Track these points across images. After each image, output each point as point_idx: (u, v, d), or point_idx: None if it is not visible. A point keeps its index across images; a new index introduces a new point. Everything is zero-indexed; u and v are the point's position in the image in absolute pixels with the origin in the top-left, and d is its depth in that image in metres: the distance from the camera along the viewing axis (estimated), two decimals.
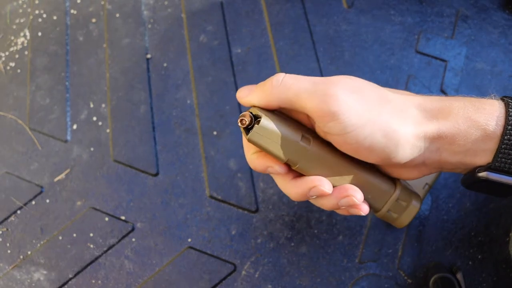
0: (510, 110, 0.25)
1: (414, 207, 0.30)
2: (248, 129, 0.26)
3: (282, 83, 0.25)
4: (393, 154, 0.26)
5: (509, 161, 0.25)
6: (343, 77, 0.26)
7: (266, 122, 0.25)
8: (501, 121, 0.25)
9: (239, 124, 0.26)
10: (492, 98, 0.26)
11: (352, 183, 0.28)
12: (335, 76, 0.26)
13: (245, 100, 0.27)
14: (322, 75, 0.52)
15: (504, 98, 0.26)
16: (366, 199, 0.29)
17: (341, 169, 0.28)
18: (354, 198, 0.27)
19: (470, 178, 0.27)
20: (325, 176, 0.27)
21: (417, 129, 0.26)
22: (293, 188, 0.28)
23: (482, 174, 0.26)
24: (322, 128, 0.26)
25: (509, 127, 0.24)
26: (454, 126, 0.25)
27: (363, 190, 0.28)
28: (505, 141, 0.24)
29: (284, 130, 0.26)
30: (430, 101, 0.27)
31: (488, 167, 0.26)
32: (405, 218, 0.30)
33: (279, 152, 0.26)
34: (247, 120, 0.25)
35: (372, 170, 0.29)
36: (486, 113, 0.25)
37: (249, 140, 0.25)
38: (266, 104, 0.26)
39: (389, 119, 0.25)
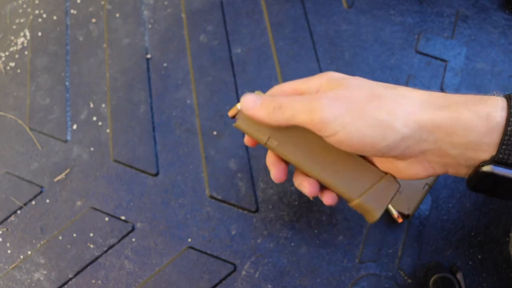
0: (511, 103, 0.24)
1: (386, 199, 0.31)
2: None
3: (280, 110, 0.29)
4: (384, 143, 0.26)
5: None
6: (328, 92, 0.28)
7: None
8: (504, 113, 0.24)
9: (229, 114, 0.33)
10: (494, 95, 0.26)
11: (327, 170, 0.31)
12: (324, 92, 0.29)
13: (248, 114, 0.31)
14: None
15: (507, 95, 0.26)
16: (339, 188, 0.31)
17: (316, 155, 0.31)
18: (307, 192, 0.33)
19: (475, 177, 0.27)
20: (300, 160, 0.31)
21: (409, 118, 0.26)
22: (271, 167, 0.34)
23: (487, 168, 0.25)
24: (319, 134, 0.28)
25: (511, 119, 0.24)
26: (453, 116, 0.25)
27: (338, 175, 0.30)
28: (508, 132, 0.24)
29: (257, 124, 0.32)
30: (430, 94, 0.27)
31: (492, 160, 0.25)
32: (377, 212, 0.30)
33: (257, 137, 0.32)
34: (234, 112, 0.33)
35: (355, 162, 0.31)
36: (488, 105, 0.25)
37: (235, 126, 0.32)
38: (267, 123, 0.31)
39: (375, 113, 0.26)
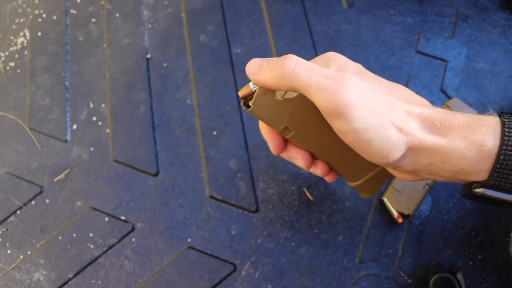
0: (506, 129, 0.25)
1: (381, 181, 0.35)
2: (248, 103, 0.28)
3: (294, 70, 0.25)
4: (384, 159, 0.27)
5: (504, 179, 0.25)
6: (356, 78, 0.25)
7: (263, 97, 0.28)
8: (497, 142, 0.25)
9: (239, 94, 0.29)
10: (490, 115, 0.27)
11: (335, 158, 0.33)
12: (348, 74, 0.25)
13: (255, 78, 0.27)
14: None
15: (502, 116, 0.26)
16: (346, 172, 0.35)
17: (327, 144, 0.32)
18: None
19: (467, 191, 0.28)
20: (312, 148, 0.32)
21: (413, 140, 0.26)
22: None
23: (479, 190, 0.27)
24: (328, 119, 0.26)
25: (504, 147, 0.25)
26: (449, 145, 0.26)
27: (343, 163, 0.34)
28: (500, 161, 0.25)
29: (274, 113, 0.29)
30: (434, 113, 0.26)
31: (483, 184, 0.26)
32: (373, 190, 0.36)
33: (272, 125, 0.30)
34: (245, 92, 0.28)
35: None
36: (483, 133, 0.25)
37: (250, 112, 0.28)
38: (275, 86, 0.26)
39: (388, 127, 0.25)
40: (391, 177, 0.34)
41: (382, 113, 0.25)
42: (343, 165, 0.34)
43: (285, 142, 0.33)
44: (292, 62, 0.25)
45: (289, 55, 0.26)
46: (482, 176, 0.26)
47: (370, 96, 0.25)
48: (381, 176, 0.34)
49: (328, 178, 0.36)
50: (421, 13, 0.53)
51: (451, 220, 0.46)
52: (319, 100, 0.25)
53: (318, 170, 0.34)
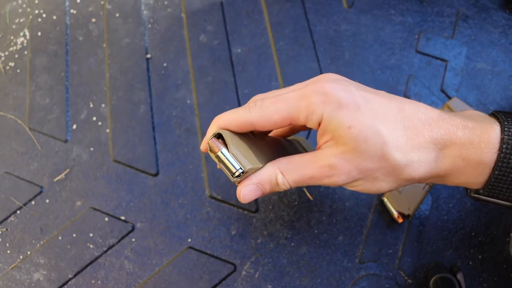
0: (504, 145, 0.26)
1: None
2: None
3: (285, 181, 0.28)
4: (389, 189, 0.29)
5: (498, 190, 0.27)
6: (338, 160, 0.27)
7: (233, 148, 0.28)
8: (494, 158, 0.26)
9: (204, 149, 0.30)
10: (492, 123, 0.27)
11: None
12: (331, 155, 0.27)
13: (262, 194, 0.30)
14: None
15: (503, 124, 0.26)
16: None
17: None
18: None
19: (465, 192, 0.30)
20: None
21: (414, 178, 0.27)
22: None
23: (474, 195, 0.28)
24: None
25: (499, 163, 0.26)
26: (450, 167, 0.27)
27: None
28: (494, 176, 0.26)
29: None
30: (436, 133, 0.26)
31: (478, 193, 0.28)
32: None
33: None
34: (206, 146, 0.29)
35: None
36: (482, 152, 0.26)
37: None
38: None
39: (385, 179, 0.27)
40: None
41: (376, 169, 0.27)
42: None
43: None
44: (279, 177, 0.28)
45: (269, 168, 0.28)
46: (478, 186, 0.28)
47: (356, 163, 0.26)
48: None
49: None
50: (421, 13, 0.53)
51: (451, 220, 0.46)
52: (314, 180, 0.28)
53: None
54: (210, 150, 0.27)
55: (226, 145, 0.27)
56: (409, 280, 0.45)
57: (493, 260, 0.45)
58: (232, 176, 0.27)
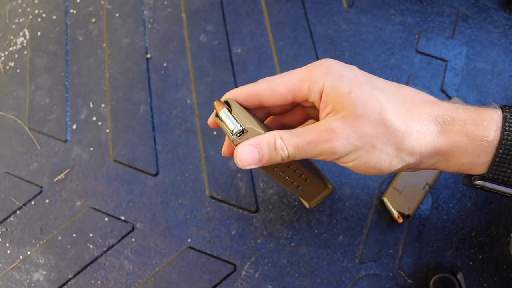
0: (507, 124, 0.26)
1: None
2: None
3: (286, 153, 0.28)
4: (389, 170, 0.28)
5: (502, 173, 0.26)
6: (337, 125, 0.27)
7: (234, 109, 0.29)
8: (497, 136, 0.26)
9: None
10: (493, 108, 0.27)
11: (294, 188, 0.36)
12: (336, 122, 0.27)
13: (259, 165, 0.30)
14: None
15: (504, 109, 0.26)
16: (301, 197, 0.39)
17: (288, 181, 0.35)
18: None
19: (468, 182, 0.29)
20: (276, 178, 0.34)
21: (414, 151, 0.27)
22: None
23: (478, 182, 0.28)
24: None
25: (504, 141, 0.25)
26: (452, 143, 0.26)
27: (301, 192, 0.37)
28: (499, 155, 0.26)
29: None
30: (437, 110, 0.27)
31: (482, 177, 0.27)
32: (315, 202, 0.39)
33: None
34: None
35: (312, 180, 0.36)
36: (485, 127, 0.26)
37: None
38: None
39: (385, 148, 0.27)
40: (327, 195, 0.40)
41: (374, 136, 0.27)
42: (302, 192, 0.37)
43: None
44: (278, 141, 0.28)
45: (269, 133, 0.28)
46: (482, 169, 0.27)
47: (357, 125, 0.27)
48: (324, 195, 0.39)
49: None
50: (421, 12, 0.53)
51: (451, 220, 0.46)
52: (314, 155, 0.28)
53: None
54: (216, 115, 0.29)
55: (230, 110, 0.28)
56: (409, 280, 0.45)
57: (493, 260, 0.45)
58: (232, 134, 0.28)
